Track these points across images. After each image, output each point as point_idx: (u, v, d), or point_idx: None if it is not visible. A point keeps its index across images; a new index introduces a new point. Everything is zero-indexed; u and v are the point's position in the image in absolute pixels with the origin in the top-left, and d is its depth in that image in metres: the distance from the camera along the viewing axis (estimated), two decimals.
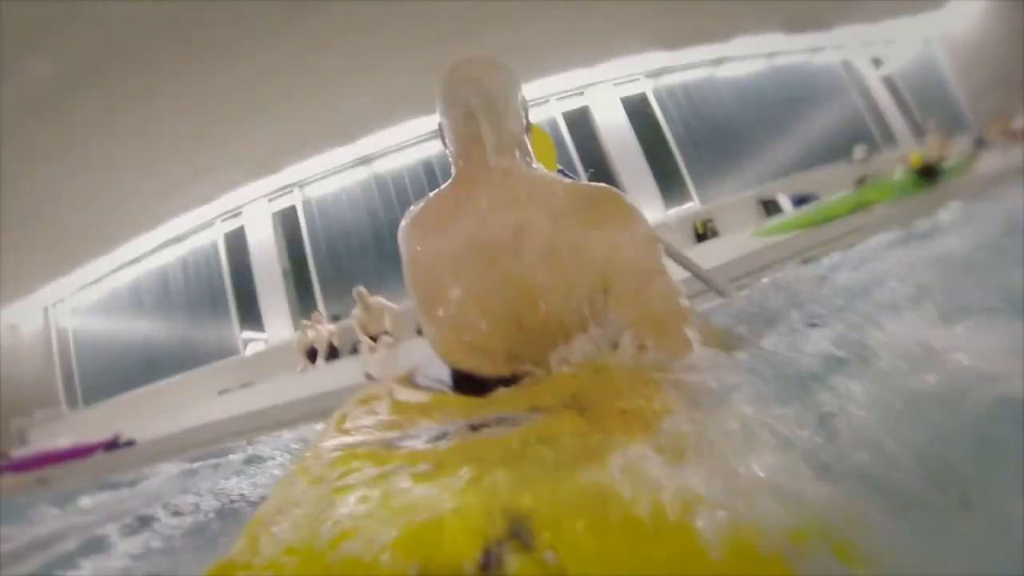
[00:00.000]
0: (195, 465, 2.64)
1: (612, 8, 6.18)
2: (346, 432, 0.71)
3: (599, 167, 7.75)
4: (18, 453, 6.21)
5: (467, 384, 0.85)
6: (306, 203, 7.91)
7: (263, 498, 0.51)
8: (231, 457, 2.53)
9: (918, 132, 8.38)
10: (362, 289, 6.16)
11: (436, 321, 0.90)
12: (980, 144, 7.12)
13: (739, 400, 0.55)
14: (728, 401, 0.55)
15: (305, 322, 6.71)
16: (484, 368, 0.85)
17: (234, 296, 7.89)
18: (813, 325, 0.79)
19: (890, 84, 9.00)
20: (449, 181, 0.96)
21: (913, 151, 6.30)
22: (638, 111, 7.99)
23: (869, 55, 8.99)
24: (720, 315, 1.08)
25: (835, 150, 8.20)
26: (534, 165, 0.96)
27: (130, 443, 5.81)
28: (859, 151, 8.00)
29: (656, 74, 8.17)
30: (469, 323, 0.85)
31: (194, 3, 4.39)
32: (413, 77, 5.43)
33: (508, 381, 0.82)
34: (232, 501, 1.39)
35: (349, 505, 0.43)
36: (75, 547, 1.29)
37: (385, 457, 0.54)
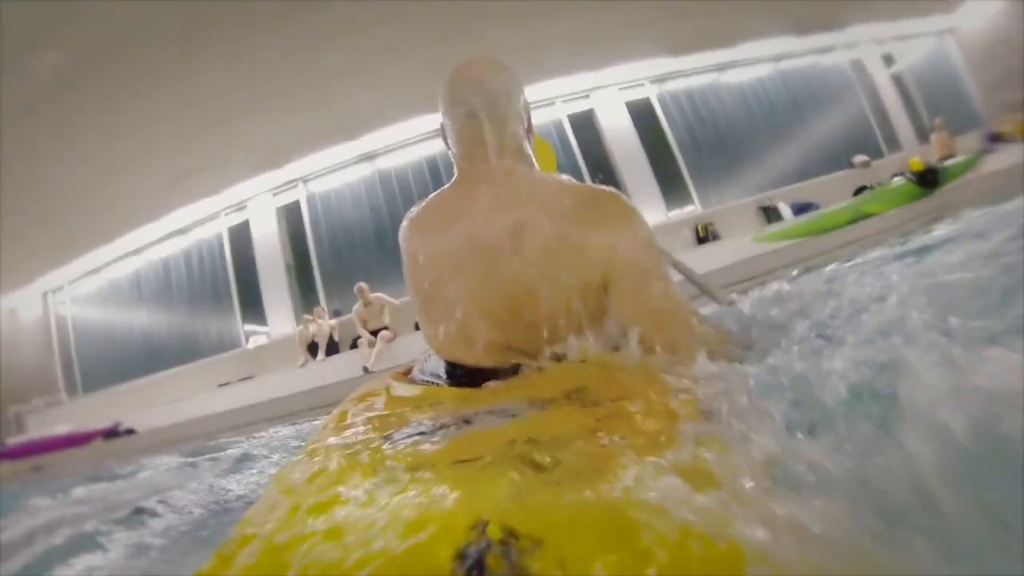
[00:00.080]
0: (192, 459, 2.61)
1: (618, 12, 6.18)
2: (344, 432, 0.71)
3: (603, 169, 7.78)
4: (14, 440, 6.18)
5: (463, 377, 0.86)
6: (310, 198, 7.92)
7: (250, 502, 0.51)
8: (229, 452, 2.50)
9: (923, 136, 8.38)
10: (363, 285, 6.18)
11: (434, 317, 0.90)
12: (993, 139, 7.10)
13: (752, 418, 0.53)
14: (741, 418, 0.53)
15: (307, 316, 6.74)
16: (481, 360, 0.86)
17: (237, 289, 7.90)
18: (822, 336, 0.78)
19: (900, 82, 8.96)
20: (451, 181, 0.97)
21: (912, 158, 6.31)
22: (642, 115, 8.02)
23: (881, 52, 8.95)
24: (725, 321, 1.08)
25: (837, 158, 8.23)
26: (535, 169, 0.97)
27: (130, 431, 5.81)
28: (859, 158, 8.03)
29: (661, 79, 8.18)
30: (467, 318, 0.86)
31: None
32: (418, 75, 5.46)
33: (505, 373, 0.84)
34: (225, 499, 1.37)
35: (332, 514, 0.42)
36: (64, 541, 1.27)
37: (377, 460, 0.54)
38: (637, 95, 8.09)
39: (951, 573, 0.36)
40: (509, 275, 0.84)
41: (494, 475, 0.43)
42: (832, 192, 7.07)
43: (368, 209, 7.82)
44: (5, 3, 3.94)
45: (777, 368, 0.64)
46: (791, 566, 0.33)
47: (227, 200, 7.83)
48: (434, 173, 7.71)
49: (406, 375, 0.99)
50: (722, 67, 8.44)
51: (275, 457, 1.90)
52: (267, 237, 7.77)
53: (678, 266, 1.36)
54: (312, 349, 6.45)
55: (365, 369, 5.53)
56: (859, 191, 6.81)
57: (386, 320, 6.02)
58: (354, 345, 6.10)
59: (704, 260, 5.37)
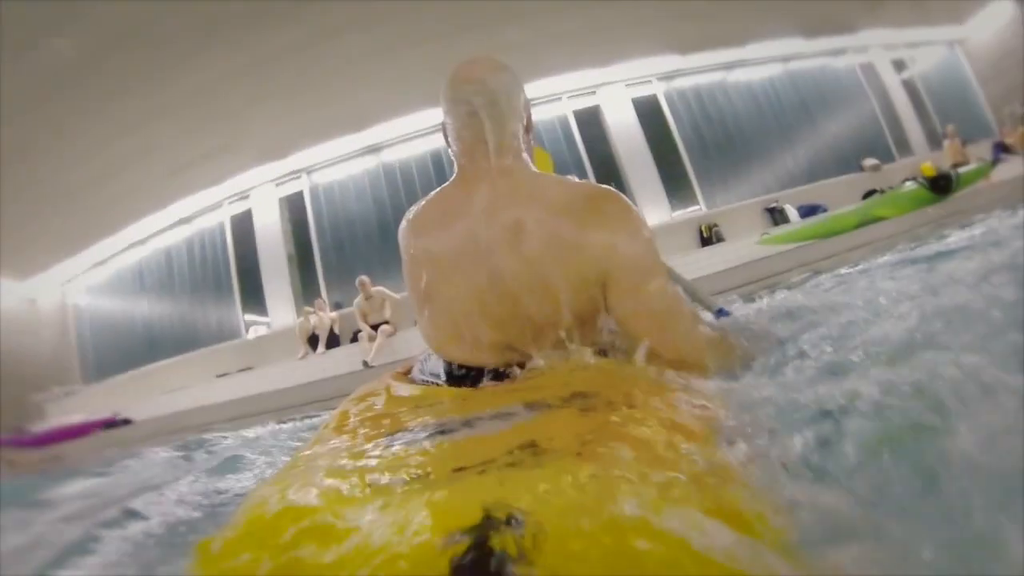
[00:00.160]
0: (186, 453, 2.62)
1: (626, 9, 6.14)
2: (344, 433, 0.71)
3: (607, 167, 7.73)
4: (22, 432, 6.22)
5: (461, 376, 0.87)
6: (313, 189, 7.91)
7: (243, 499, 0.50)
8: (225, 447, 2.51)
9: (935, 140, 8.35)
10: (364, 278, 6.17)
11: (433, 316, 0.91)
12: (1001, 149, 7.08)
13: (764, 438, 0.52)
14: (753, 438, 0.52)
15: (307, 308, 6.74)
16: (480, 360, 0.86)
17: (238, 279, 7.91)
18: (828, 351, 0.77)
19: (911, 88, 8.93)
20: (451, 179, 0.97)
21: (924, 163, 6.24)
22: (649, 113, 7.96)
23: (891, 57, 8.92)
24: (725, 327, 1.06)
25: (847, 160, 8.14)
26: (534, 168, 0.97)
27: (126, 422, 5.84)
28: (869, 162, 7.94)
29: (668, 77, 8.12)
30: (466, 315, 0.86)
31: None
32: (425, 69, 5.42)
33: (504, 372, 0.84)
34: (220, 499, 1.36)
35: (330, 516, 0.41)
36: (53, 540, 1.25)
37: (377, 464, 0.53)
38: (644, 92, 8.03)
39: None
40: (508, 273, 0.84)
41: (493, 483, 0.43)
42: (840, 195, 7.00)
43: (371, 202, 7.82)
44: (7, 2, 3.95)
45: (788, 385, 0.62)
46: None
47: (230, 189, 7.84)
48: (438, 167, 7.69)
49: (406, 375, 1.00)
50: (730, 66, 8.37)
51: (273, 456, 1.88)
52: (269, 227, 7.77)
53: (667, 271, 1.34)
54: (312, 342, 6.46)
55: (365, 363, 5.52)
56: (868, 194, 6.74)
57: (387, 314, 6.01)
58: (354, 339, 6.10)
59: (708, 262, 5.33)
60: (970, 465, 0.39)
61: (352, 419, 0.77)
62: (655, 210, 7.53)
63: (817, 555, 0.36)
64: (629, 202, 0.89)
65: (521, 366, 0.84)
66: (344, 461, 0.55)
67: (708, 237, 7.18)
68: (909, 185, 5.77)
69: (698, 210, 7.79)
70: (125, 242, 8.37)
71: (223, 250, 8.02)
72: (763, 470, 0.46)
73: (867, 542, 0.38)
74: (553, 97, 7.76)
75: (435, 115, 1.00)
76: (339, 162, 7.86)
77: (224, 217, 8.06)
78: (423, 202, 0.97)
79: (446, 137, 1.00)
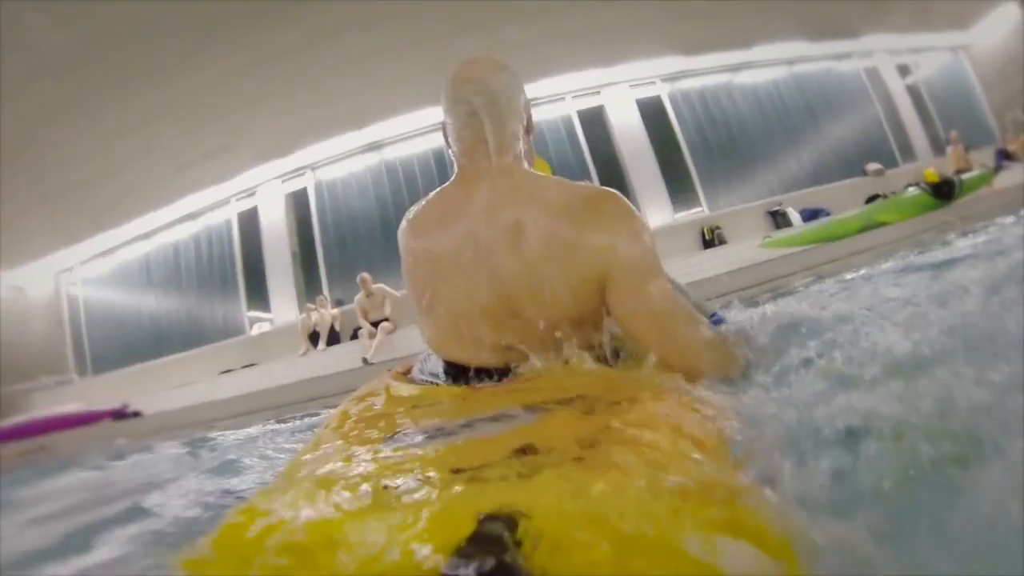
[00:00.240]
0: (189, 450, 2.61)
1: (631, 9, 6.13)
2: (344, 434, 0.71)
3: (610, 167, 7.72)
4: (21, 417, 6.16)
5: (461, 376, 0.87)
6: (317, 186, 7.93)
7: (243, 500, 0.49)
8: (225, 446, 2.51)
9: (938, 146, 8.31)
10: (366, 275, 6.18)
11: (433, 315, 0.91)
12: (1004, 156, 7.07)
13: (773, 455, 0.50)
14: (761, 453, 0.51)
15: (309, 305, 6.75)
16: (479, 360, 0.86)
17: (244, 276, 7.92)
18: (835, 364, 0.75)
19: (915, 93, 8.90)
20: (451, 179, 0.98)
21: (928, 169, 6.24)
22: (653, 114, 7.94)
23: (896, 62, 8.89)
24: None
25: (850, 164, 8.13)
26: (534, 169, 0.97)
27: (136, 414, 5.83)
28: (873, 166, 7.93)
29: (673, 78, 8.10)
30: (465, 315, 0.86)
31: None
32: (428, 68, 5.43)
33: (503, 372, 0.84)
34: (218, 498, 1.36)
35: (329, 518, 0.41)
36: (51, 534, 1.26)
37: (376, 467, 0.53)
38: (648, 93, 8.01)
39: None
40: (507, 273, 0.84)
41: (489, 491, 0.42)
42: (844, 199, 6.98)
43: (374, 199, 7.82)
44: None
45: (797, 401, 0.60)
46: None
47: (238, 186, 7.85)
48: (440, 165, 7.69)
49: (406, 374, 1.00)
50: (735, 68, 8.34)
51: (272, 456, 1.88)
52: (275, 224, 7.79)
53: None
54: (314, 338, 6.46)
55: (365, 360, 5.53)
56: (871, 199, 6.72)
57: (387, 311, 6.02)
58: (355, 335, 6.10)
59: (710, 264, 5.33)
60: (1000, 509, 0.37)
61: (351, 420, 0.77)
62: (657, 211, 7.53)
63: None
64: (628, 203, 0.89)
65: (519, 364, 0.84)
66: (339, 468, 0.54)
67: (710, 239, 7.17)
68: (912, 191, 5.77)
69: (701, 212, 7.77)
70: (128, 235, 8.34)
71: (230, 246, 8.03)
72: (772, 487, 0.45)
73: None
74: (557, 97, 7.74)
75: (437, 113, 1.00)
76: (343, 159, 7.87)
77: (231, 214, 8.07)
78: (423, 202, 0.97)
79: (446, 137, 1.01)
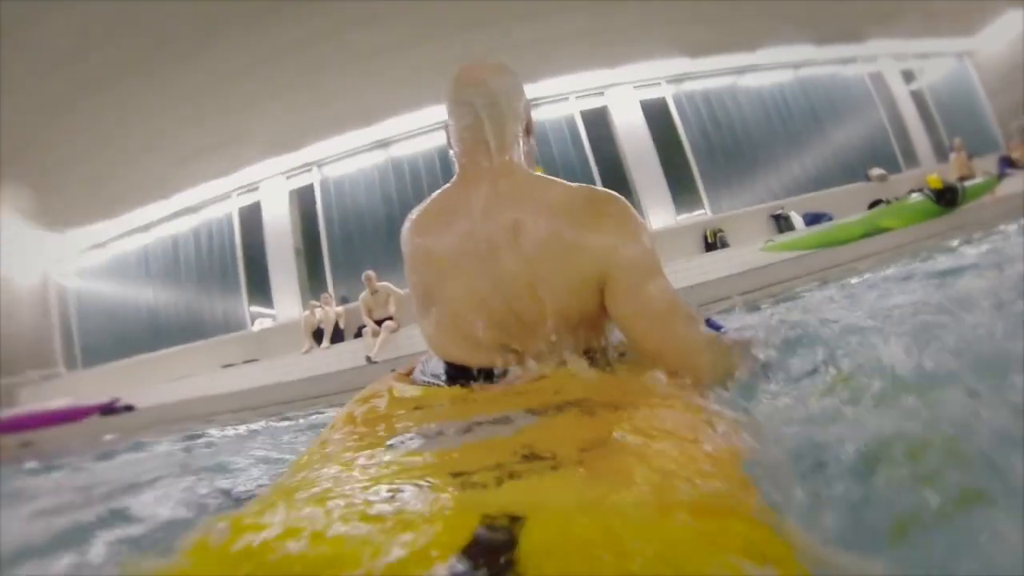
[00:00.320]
0: (186, 446, 2.59)
1: (636, 10, 6.13)
2: (348, 436, 0.71)
3: (613, 169, 7.72)
4: (6, 413, 5.98)
5: (462, 377, 0.87)
6: (323, 183, 7.92)
7: (242, 500, 0.47)
8: (226, 445, 2.48)
9: (941, 152, 8.30)
10: (371, 273, 6.18)
11: (434, 316, 0.92)
12: (1007, 164, 7.06)
13: (778, 467, 0.49)
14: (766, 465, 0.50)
15: (313, 302, 6.74)
16: (480, 361, 0.87)
17: (245, 271, 7.91)
18: (840, 371, 0.76)
19: (919, 99, 8.89)
20: (451, 180, 0.99)
21: (930, 175, 6.24)
22: (657, 115, 7.94)
23: (901, 67, 8.89)
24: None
25: (853, 169, 8.12)
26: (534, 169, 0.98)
27: (129, 408, 5.77)
28: (876, 171, 7.92)
29: (677, 80, 8.10)
30: (466, 316, 0.87)
31: None
32: (434, 66, 5.41)
33: (504, 374, 0.85)
34: (218, 497, 1.33)
35: (328, 520, 0.40)
36: (39, 535, 1.22)
37: (378, 470, 0.53)
38: (652, 95, 8.01)
39: None
40: (508, 274, 0.84)
41: (492, 495, 0.42)
42: (846, 204, 6.98)
43: (380, 196, 7.82)
44: None
45: (798, 416, 0.60)
46: None
47: (240, 180, 7.83)
48: (445, 163, 7.68)
49: (408, 375, 1.01)
50: (740, 71, 8.34)
51: (273, 457, 1.87)
52: (278, 220, 7.78)
53: None
54: (317, 336, 6.46)
55: (368, 359, 5.54)
56: (874, 204, 6.71)
57: (391, 310, 6.02)
58: (358, 334, 6.11)
59: (712, 267, 5.34)
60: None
61: (354, 423, 0.77)
62: (660, 213, 7.53)
63: None
64: (628, 204, 0.90)
65: (521, 367, 0.84)
66: (337, 475, 0.54)
67: (712, 242, 7.17)
68: (915, 196, 5.76)
69: (703, 215, 7.78)
70: (126, 227, 8.29)
71: (231, 241, 8.02)
72: (782, 506, 0.44)
73: None
74: (560, 97, 7.74)
75: (443, 112, 1.01)
76: (349, 156, 7.86)
77: (232, 208, 8.06)
78: (425, 203, 0.98)
79: (448, 139, 1.01)
